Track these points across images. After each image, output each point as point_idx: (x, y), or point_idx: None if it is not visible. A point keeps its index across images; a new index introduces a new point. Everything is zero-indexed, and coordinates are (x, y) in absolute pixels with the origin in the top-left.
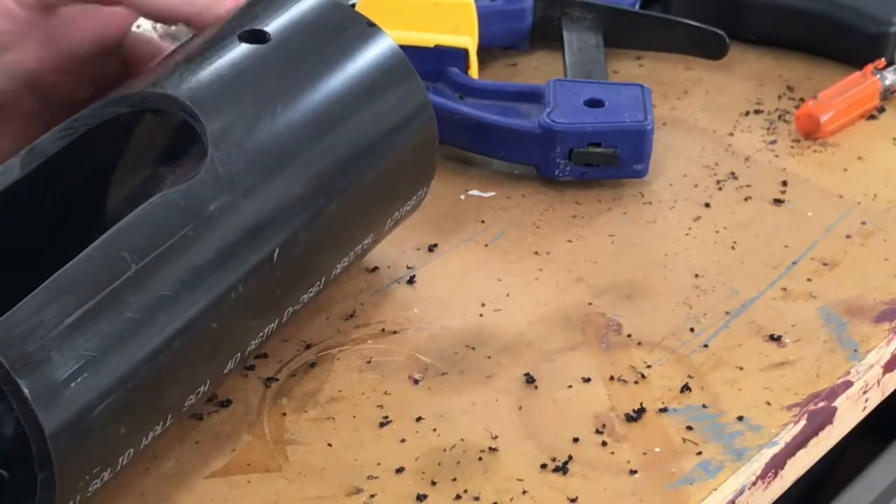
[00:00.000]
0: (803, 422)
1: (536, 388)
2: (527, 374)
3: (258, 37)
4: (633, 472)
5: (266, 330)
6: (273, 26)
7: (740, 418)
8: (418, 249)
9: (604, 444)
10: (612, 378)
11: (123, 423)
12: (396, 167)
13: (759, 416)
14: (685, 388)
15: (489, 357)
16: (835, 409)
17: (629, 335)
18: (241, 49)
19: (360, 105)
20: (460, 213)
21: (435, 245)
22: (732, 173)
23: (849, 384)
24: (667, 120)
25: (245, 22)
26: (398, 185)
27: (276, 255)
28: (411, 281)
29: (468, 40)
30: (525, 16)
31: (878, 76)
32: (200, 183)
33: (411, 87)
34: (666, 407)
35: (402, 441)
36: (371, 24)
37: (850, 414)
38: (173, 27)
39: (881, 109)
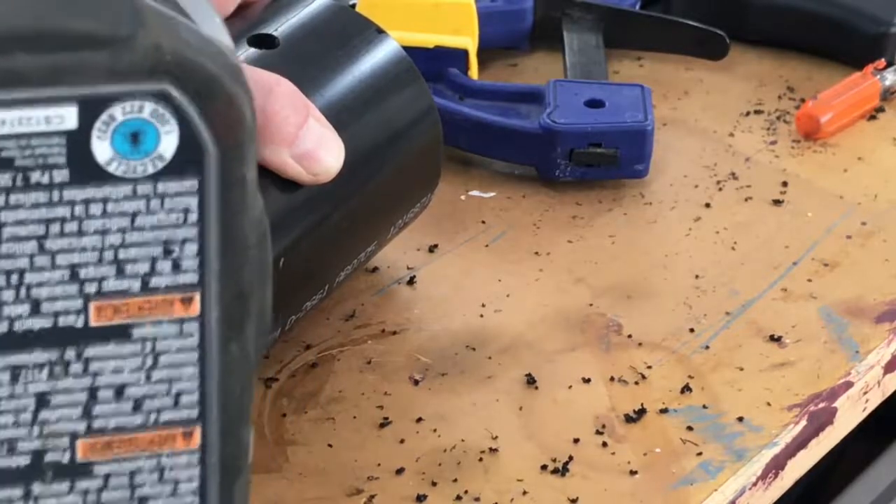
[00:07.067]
0: (804, 422)
1: (537, 388)
2: (527, 375)
3: (267, 41)
4: (633, 472)
5: (268, 338)
6: (282, 31)
7: (741, 419)
8: (418, 250)
9: (604, 444)
10: (612, 379)
11: None
12: (401, 175)
13: (759, 416)
14: (685, 388)
15: (489, 358)
16: (835, 409)
17: (629, 336)
18: (249, 53)
19: (366, 113)
20: (460, 213)
21: (435, 246)
22: (732, 174)
23: (849, 385)
24: (667, 120)
25: (254, 26)
26: (403, 193)
27: (280, 263)
28: (411, 281)
29: (468, 41)
30: (525, 16)
31: (878, 77)
32: None
33: (418, 95)
34: (666, 407)
35: (403, 442)
36: (380, 31)
37: (850, 414)
38: None
39: (881, 110)
